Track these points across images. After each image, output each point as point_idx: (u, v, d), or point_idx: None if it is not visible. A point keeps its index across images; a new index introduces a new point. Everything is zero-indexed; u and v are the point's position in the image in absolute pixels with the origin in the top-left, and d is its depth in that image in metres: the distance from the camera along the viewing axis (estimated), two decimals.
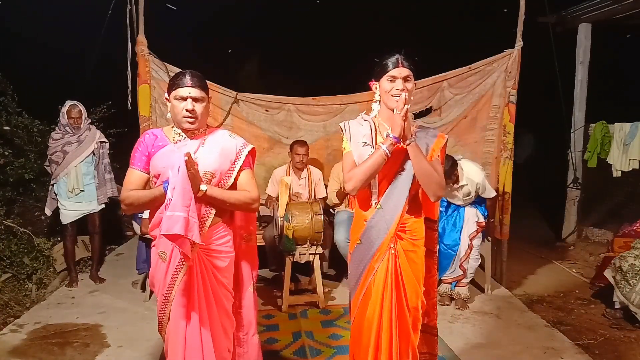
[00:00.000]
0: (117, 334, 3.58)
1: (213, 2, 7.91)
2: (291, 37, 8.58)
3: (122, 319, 3.83)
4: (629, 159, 5.33)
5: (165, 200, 1.97)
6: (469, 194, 4.02)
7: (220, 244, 2.18)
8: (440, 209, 4.04)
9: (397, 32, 7.07)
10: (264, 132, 4.87)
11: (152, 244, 2.20)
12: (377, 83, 2.10)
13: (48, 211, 4.65)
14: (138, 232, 4.28)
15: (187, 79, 2.07)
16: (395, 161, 2.06)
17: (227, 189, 2.16)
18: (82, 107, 4.45)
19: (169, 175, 2.00)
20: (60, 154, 4.38)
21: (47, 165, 4.58)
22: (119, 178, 4.28)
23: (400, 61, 2.03)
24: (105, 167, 4.57)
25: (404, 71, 2.03)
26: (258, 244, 2.69)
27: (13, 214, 5.08)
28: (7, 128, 5.22)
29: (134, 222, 4.53)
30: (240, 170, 2.18)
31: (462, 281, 4.09)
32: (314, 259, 4.04)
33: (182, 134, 2.15)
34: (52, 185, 4.49)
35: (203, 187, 2.01)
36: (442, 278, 4.06)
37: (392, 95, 2.03)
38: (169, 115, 2.15)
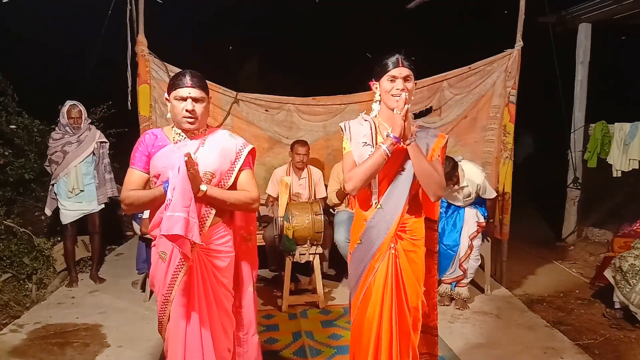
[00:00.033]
0: (117, 334, 3.58)
1: (213, 2, 7.90)
2: (291, 37, 8.57)
3: (122, 319, 3.83)
4: (629, 159, 5.33)
5: (166, 201, 1.98)
6: (469, 195, 4.02)
7: (220, 244, 2.18)
8: (440, 209, 4.04)
9: (397, 32, 7.06)
10: (264, 132, 4.87)
11: (152, 244, 2.20)
12: (377, 83, 2.10)
13: (48, 211, 4.65)
14: (138, 232, 4.28)
15: (187, 79, 2.06)
16: (395, 161, 2.05)
17: (227, 189, 2.16)
18: (82, 107, 4.45)
19: (169, 175, 2.00)
20: (60, 154, 4.38)
21: (47, 165, 4.58)
22: (119, 178, 4.29)
23: (400, 61, 2.03)
24: (105, 167, 4.57)
25: (404, 71, 2.03)
26: (258, 244, 2.69)
27: (13, 214, 5.08)
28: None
29: (134, 222, 4.53)
30: (240, 170, 2.18)
31: (462, 281, 4.09)
32: (314, 259, 4.04)
33: (182, 134, 2.15)
34: (52, 185, 4.49)
35: (203, 187, 2.01)
36: (442, 278, 4.06)
37: (392, 95, 2.03)
38: (169, 115, 2.15)
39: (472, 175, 3.95)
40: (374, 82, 2.11)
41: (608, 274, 3.86)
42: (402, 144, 1.97)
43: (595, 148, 5.65)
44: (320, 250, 4.08)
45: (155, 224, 2.12)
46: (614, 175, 5.49)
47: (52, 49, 6.63)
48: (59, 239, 4.85)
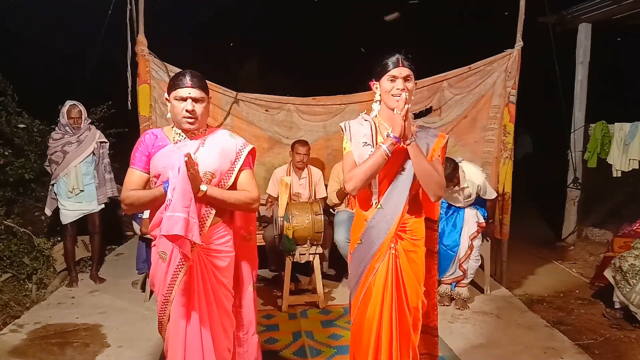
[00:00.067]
0: (117, 334, 3.58)
1: (213, 2, 7.90)
2: (291, 37, 8.57)
3: (122, 319, 3.83)
4: (629, 159, 5.33)
5: (166, 201, 1.98)
6: (469, 196, 4.02)
7: (221, 244, 2.18)
8: (440, 210, 4.04)
9: (397, 32, 7.06)
10: (264, 132, 4.87)
11: (152, 244, 2.20)
12: (378, 83, 2.10)
13: (48, 211, 4.65)
14: (138, 232, 4.28)
15: (187, 80, 2.06)
16: (395, 161, 2.05)
17: (227, 189, 2.16)
18: (82, 107, 4.45)
19: (169, 175, 2.00)
20: (60, 154, 4.38)
21: (47, 165, 4.58)
22: (119, 178, 4.28)
23: (400, 61, 2.03)
24: (105, 167, 4.57)
25: (405, 71, 2.03)
26: (258, 244, 2.69)
27: (13, 214, 5.07)
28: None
29: (134, 222, 4.53)
30: (240, 170, 2.18)
31: (462, 282, 4.09)
32: (314, 259, 4.04)
33: (182, 134, 2.15)
34: (52, 185, 4.49)
35: (203, 187, 2.01)
36: (441, 279, 4.06)
37: (392, 95, 2.03)
38: (169, 115, 2.15)
39: (472, 176, 3.96)
40: (374, 82, 2.11)
41: (608, 274, 3.86)
42: (402, 144, 1.97)
43: (595, 148, 5.65)
44: (320, 250, 4.08)
45: (155, 224, 2.12)
46: (614, 175, 5.49)
47: (52, 49, 6.63)
48: (59, 239, 4.85)
